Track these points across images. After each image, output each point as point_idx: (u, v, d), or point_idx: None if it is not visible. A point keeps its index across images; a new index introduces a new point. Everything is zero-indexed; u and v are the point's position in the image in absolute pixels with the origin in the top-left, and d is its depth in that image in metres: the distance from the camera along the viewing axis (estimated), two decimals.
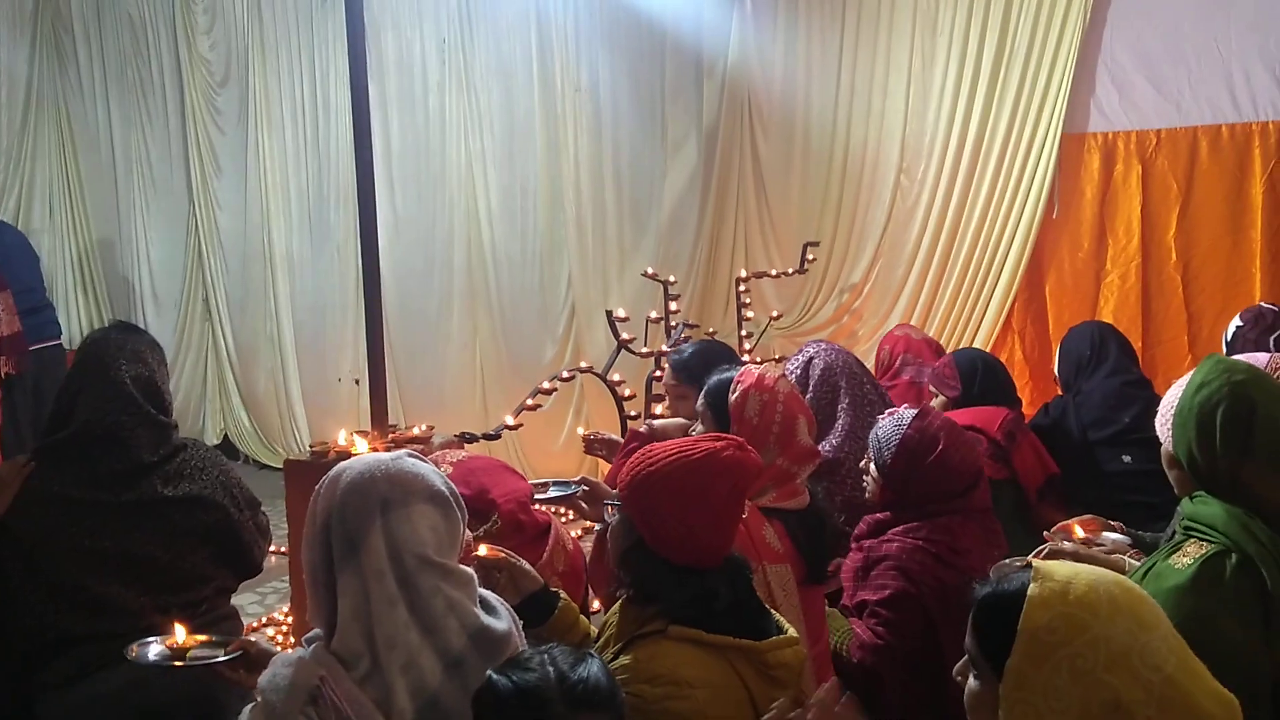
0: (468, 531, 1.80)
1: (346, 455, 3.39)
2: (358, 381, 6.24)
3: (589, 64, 5.48)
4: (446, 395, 5.98)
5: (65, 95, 6.85)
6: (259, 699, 1.63)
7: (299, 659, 1.65)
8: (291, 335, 6.44)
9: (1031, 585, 1.32)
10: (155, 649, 1.92)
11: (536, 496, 2.50)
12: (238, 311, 6.58)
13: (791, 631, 1.84)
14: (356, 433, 3.44)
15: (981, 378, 3.44)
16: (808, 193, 5.24)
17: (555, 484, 2.59)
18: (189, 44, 6.38)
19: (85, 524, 2.24)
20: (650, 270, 4.70)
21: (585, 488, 2.52)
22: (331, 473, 1.71)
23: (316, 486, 1.72)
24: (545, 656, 1.50)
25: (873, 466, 2.50)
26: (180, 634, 1.94)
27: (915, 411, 2.47)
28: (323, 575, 1.65)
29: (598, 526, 2.45)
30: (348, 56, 3.42)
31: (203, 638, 1.92)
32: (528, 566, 2.01)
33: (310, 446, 3.43)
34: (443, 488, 1.72)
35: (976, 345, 4.65)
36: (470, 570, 1.74)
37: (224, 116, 6.41)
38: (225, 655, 1.86)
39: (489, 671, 1.52)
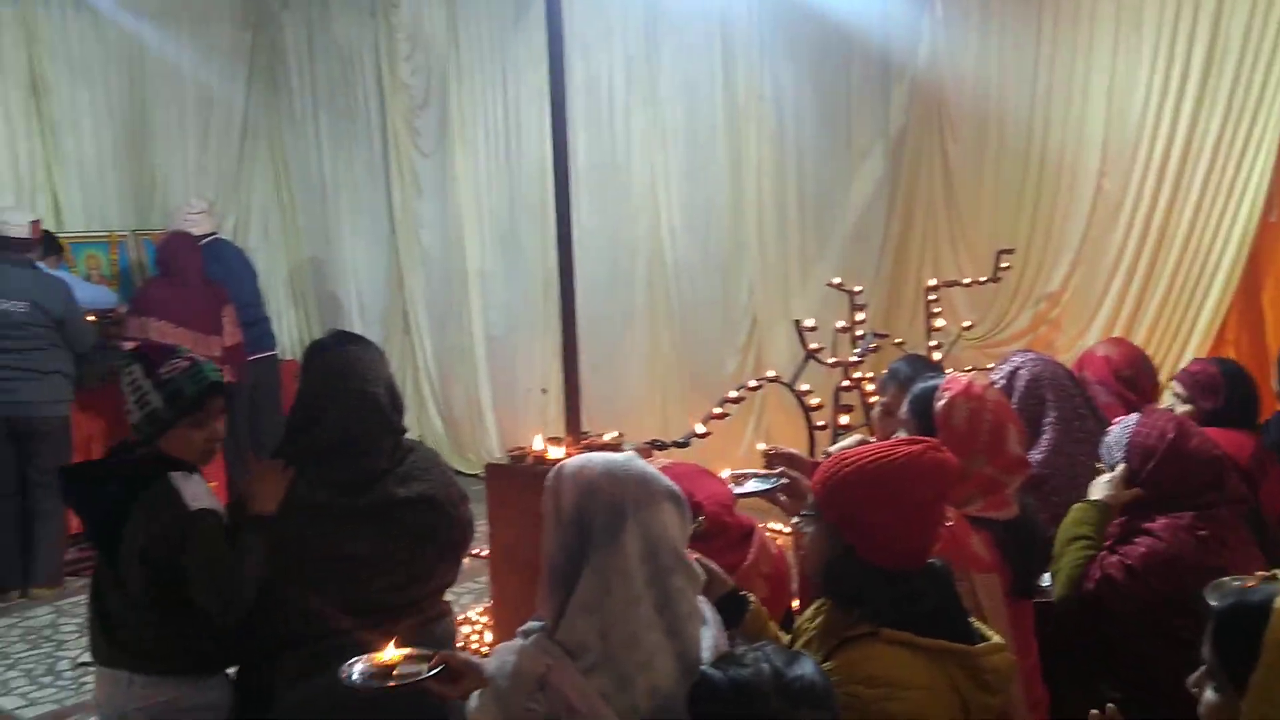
0: None
1: (543, 460, 3.51)
2: (544, 391, 6.43)
3: (773, 74, 5.50)
4: (627, 406, 6.08)
5: (279, 123, 7.35)
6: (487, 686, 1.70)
7: (522, 647, 1.71)
8: (484, 347, 6.70)
9: (1278, 598, 1.26)
10: (361, 667, 1.91)
11: (736, 490, 2.48)
12: (436, 325, 6.89)
13: (998, 639, 1.80)
14: (550, 439, 3.55)
15: (1241, 391, 3.15)
16: (1001, 198, 5.09)
17: (755, 477, 2.54)
18: (391, 70, 6.74)
19: (329, 527, 2.32)
20: (836, 280, 4.66)
21: (786, 480, 2.48)
22: (566, 469, 1.76)
23: (548, 482, 1.78)
24: (760, 654, 1.52)
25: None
26: (389, 651, 1.93)
27: (1139, 412, 2.48)
28: (561, 567, 1.71)
29: (794, 521, 2.44)
30: (548, 76, 3.52)
31: (407, 651, 1.90)
32: (718, 569, 2.03)
33: (508, 451, 3.56)
34: (676, 489, 1.76)
35: (1187, 357, 4.41)
36: (700, 570, 1.78)
37: (424, 139, 6.75)
38: (429, 671, 1.89)
39: (703, 668, 1.54)
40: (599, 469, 1.74)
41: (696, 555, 2.01)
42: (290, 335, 7.32)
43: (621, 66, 5.95)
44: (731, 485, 2.51)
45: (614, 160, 6.02)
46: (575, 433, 3.45)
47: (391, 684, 1.86)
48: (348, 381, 2.40)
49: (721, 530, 2.37)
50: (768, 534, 2.61)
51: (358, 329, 7.06)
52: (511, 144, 6.43)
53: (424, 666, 1.88)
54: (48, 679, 4.19)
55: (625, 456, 1.81)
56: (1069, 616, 2.43)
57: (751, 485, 2.51)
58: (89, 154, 6.52)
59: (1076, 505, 2.52)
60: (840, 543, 1.81)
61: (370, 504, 2.36)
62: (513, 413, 6.63)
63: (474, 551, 3.95)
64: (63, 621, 4.75)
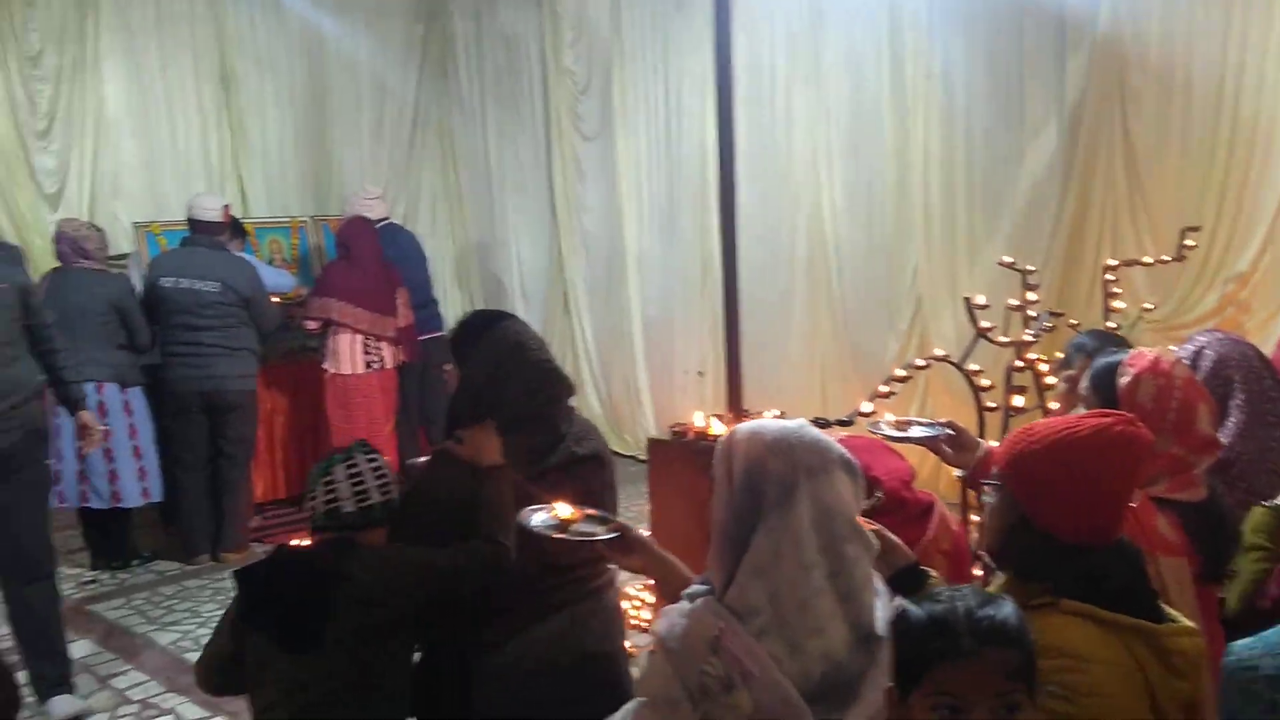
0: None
1: (704, 436, 3.53)
2: (701, 374, 6.45)
3: (942, 48, 5.34)
4: (786, 387, 6.04)
5: (448, 112, 7.60)
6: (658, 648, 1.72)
7: (693, 609, 1.72)
8: (641, 329, 6.76)
9: None
10: (541, 516, 1.99)
11: (899, 435, 2.42)
12: (596, 307, 7.00)
13: (1188, 622, 1.71)
14: (712, 415, 3.57)
15: None
16: (1186, 172, 4.81)
17: (919, 424, 2.46)
18: (555, 57, 6.87)
19: (523, 493, 2.31)
20: (1008, 259, 4.50)
21: (951, 432, 2.41)
22: (738, 435, 1.76)
23: (719, 448, 1.78)
24: (957, 593, 1.50)
25: None
26: (567, 508, 2.02)
27: None
28: (732, 531, 1.71)
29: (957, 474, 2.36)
30: (714, 57, 3.52)
31: (588, 511, 1.97)
32: (898, 541, 1.99)
33: (669, 428, 3.59)
34: (851, 457, 1.75)
35: None
36: (874, 540, 1.75)
37: (586, 123, 6.85)
38: (605, 534, 1.92)
39: (900, 602, 1.52)
40: (771, 435, 1.74)
41: (876, 527, 1.99)
42: (455, 316, 7.55)
43: (783, 45, 5.89)
44: (895, 431, 2.44)
45: (774, 140, 5.97)
46: (737, 410, 3.44)
47: (565, 535, 1.93)
48: (526, 353, 2.43)
49: (900, 506, 2.34)
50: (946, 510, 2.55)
51: (520, 311, 7.25)
52: (672, 127, 6.45)
53: (601, 529, 1.93)
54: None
55: (798, 423, 1.79)
56: (1242, 632, 2.26)
57: (916, 431, 2.44)
58: (272, 143, 6.88)
59: (1256, 509, 2.36)
60: (1022, 515, 1.76)
61: (557, 464, 2.39)
62: (669, 394, 6.68)
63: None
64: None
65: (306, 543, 2.35)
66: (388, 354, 5.85)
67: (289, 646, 2.17)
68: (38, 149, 5.93)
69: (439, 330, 6.53)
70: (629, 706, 1.79)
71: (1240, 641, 0.89)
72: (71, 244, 4.92)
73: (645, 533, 1.97)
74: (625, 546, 1.98)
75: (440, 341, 6.51)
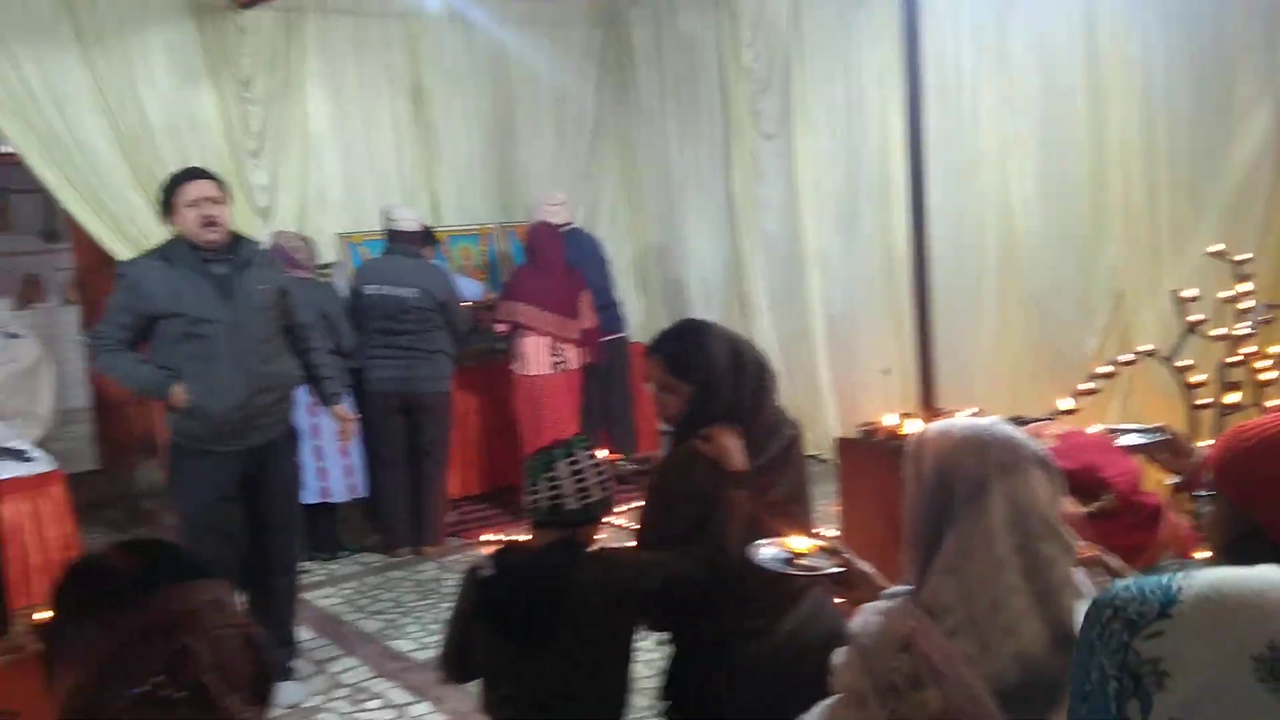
0: (1080, 509, 1.77)
1: (895, 435, 3.48)
2: (886, 372, 6.33)
3: (1141, 30, 5.07)
4: (976, 385, 5.85)
5: (627, 116, 7.73)
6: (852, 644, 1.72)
7: (889, 608, 1.72)
8: (823, 329, 6.69)
9: None
10: (771, 550, 2.02)
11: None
12: (775, 307, 6.98)
13: None
14: (903, 414, 3.51)
15: None
16: None
17: (1135, 431, 2.39)
18: (735, 57, 6.88)
19: (753, 482, 2.37)
20: (1218, 248, 4.24)
21: (1168, 436, 2.32)
22: (928, 434, 1.75)
23: (909, 447, 1.77)
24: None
25: None
26: (800, 540, 2.04)
27: None
28: (924, 530, 1.70)
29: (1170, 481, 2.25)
30: (903, 49, 3.46)
31: (819, 544, 2.00)
32: (868, 571, 1.96)
33: (859, 427, 3.55)
34: (1046, 454, 1.70)
35: None
36: (1074, 540, 1.70)
37: (766, 122, 6.84)
38: (831, 569, 1.95)
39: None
40: (962, 433, 1.72)
41: (1098, 550, 1.92)
42: (635, 318, 7.66)
43: (969, 35, 5.72)
44: (1108, 437, 2.37)
45: (961, 133, 5.80)
46: (929, 408, 3.38)
47: (793, 571, 1.96)
48: (744, 352, 2.47)
49: (1129, 508, 2.25)
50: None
51: (699, 312, 7.30)
52: (853, 122, 6.37)
53: (829, 563, 1.96)
54: (435, 627, 4.67)
55: (989, 421, 1.77)
56: None
57: (1130, 439, 2.36)
58: (462, 155, 7.16)
59: None
60: (1245, 521, 1.66)
61: (778, 451, 2.45)
62: (852, 394, 6.59)
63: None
64: (445, 577, 5.28)
65: (524, 539, 2.44)
66: (572, 355, 6.00)
67: (521, 645, 2.25)
68: (251, 166, 6.35)
69: (621, 331, 6.66)
70: (827, 701, 1.80)
71: (1122, 581, 0.86)
72: (284, 254, 5.27)
73: (868, 568, 1.97)
74: (850, 580, 1.98)
75: (622, 342, 6.65)
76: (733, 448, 2.33)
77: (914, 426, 3.30)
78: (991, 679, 1.58)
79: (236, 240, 3.84)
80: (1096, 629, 0.86)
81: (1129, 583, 0.87)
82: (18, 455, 4.47)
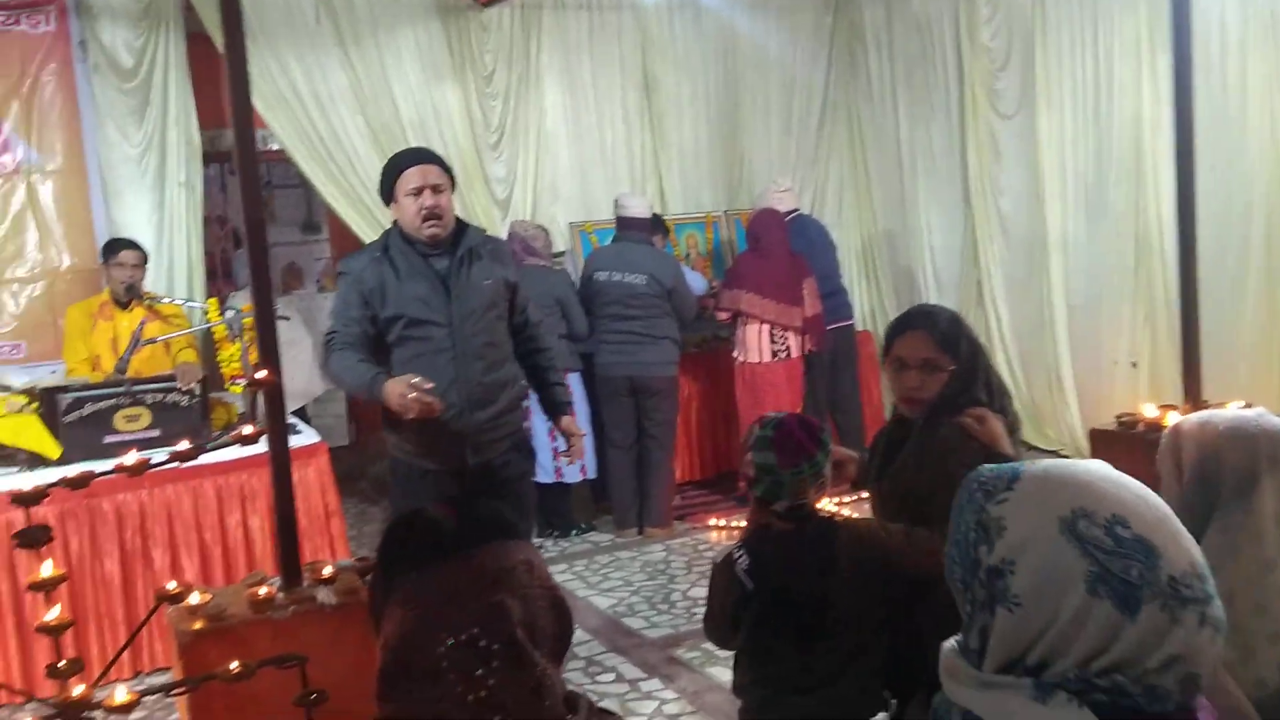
0: None
1: (1157, 426, 3.27)
2: (1134, 364, 5.97)
3: None
4: (1240, 377, 5.41)
5: (856, 100, 7.59)
6: None
7: None
8: (1064, 318, 6.36)
9: None
10: None
11: None
12: (1013, 296, 6.68)
13: None
14: (1163, 406, 3.30)
15: None
16: None
17: None
18: (970, 36, 6.64)
19: None
20: None
21: None
22: (1186, 426, 1.67)
23: (1164, 440, 1.69)
24: None
25: None
26: None
27: None
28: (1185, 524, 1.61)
29: None
30: (1172, 17, 3.23)
31: None
32: None
33: (1116, 417, 3.37)
34: None
35: None
36: None
37: (1003, 101, 6.56)
38: None
39: None
40: (1227, 424, 1.62)
41: None
42: (862, 306, 7.53)
43: (1236, 3, 5.29)
44: None
45: (1226, 113, 5.37)
46: (1195, 399, 3.16)
47: None
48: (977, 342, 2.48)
49: None
50: None
51: (932, 300, 7.09)
52: (1101, 100, 6.01)
53: None
54: (664, 606, 4.76)
55: (1256, 413, 1.65)
56: None
57: None
58: (688, 143, 7.22)
59: None
60: None
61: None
62: (1095, 386, 6.23)
63: None
64: (673, 559, 5.36)
65: (766, 522, 2.43)
66: (794, 343, 5.95)
67: (789, 631, 2.27)
68: (490, 159, 6.63)
69: (848, 319, 6.56)
70: None
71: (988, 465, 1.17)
72: (522, 243, 5.47)
73: None
74: None
75: (849, 331, 6.54)
76: (1001, 432, 2.28)
77: (1175, 418, 3.10)
78: (1250, 686, 1.48)
79: (461, 229, 3.38)
80: (965, 495, 1.15)
81: (993, 465, 1.15)
82: (290, 427, 4.84)
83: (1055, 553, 1.05)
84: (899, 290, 7.45)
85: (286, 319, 6.96)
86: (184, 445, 2.27)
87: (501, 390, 3.37)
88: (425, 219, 3.23)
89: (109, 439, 4.34)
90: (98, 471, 2.00)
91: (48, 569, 1.94)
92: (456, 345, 3.27)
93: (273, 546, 4.44)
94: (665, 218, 6.61)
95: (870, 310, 7.64)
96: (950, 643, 1.17)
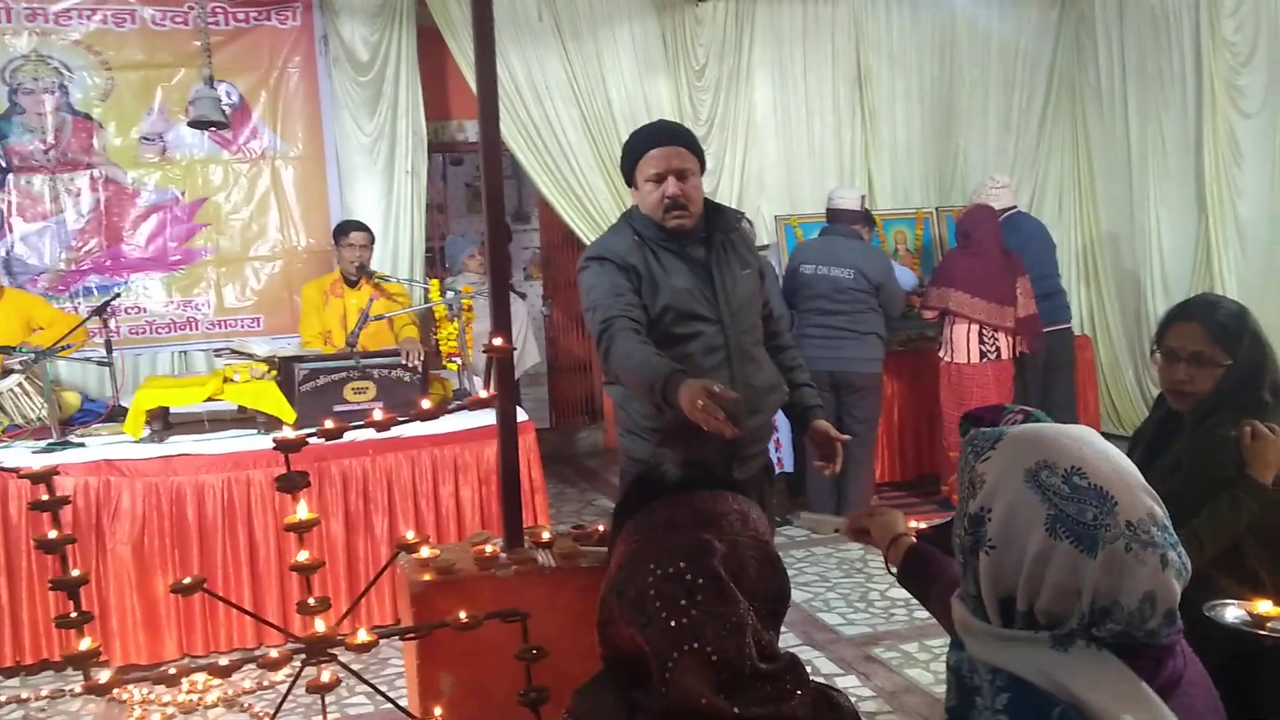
0: None
1: None
2: None
3: None
4: None
5: (1083, 95, 7.25)
6: None
7: None
8: None
9: None
10: (1235, 612, 1.90)
11: None
12: (1253, 303, 6.17)
13: None
14: None
15: None
16: None
17: None
18: (1212, 29, 6.23)
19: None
20: None
21: None
22: None
23: None
24: None
25: None
26: (1264, 604, 1.89)
27: None
28: None
29: None
30: None
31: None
32: None
33: None
34: None
35: None
36: None
37: (1246, 99, 6.13)
38: None
39: None
40: None
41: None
42: (1080, 310, 7.20)
43: None
44: None
45: None
46: None
47: (1264, 633, 1.84)
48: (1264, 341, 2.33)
49: None
50: None
51: (1160, 307, 6.71)
52: None
53: None
54: (861, 604, 4.70)
55: None
56: None
57: None
58: (900, 138, 7.08)
59: None
60: None
61: None
62: None
63: None
64: (870, 558, 5.27)
65: None
66: (1004, 344, 5.75)
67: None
68: None
69: (1065, 322, 6.29)
70: None
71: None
72: None
73: None
74: None
75: (1066, 334, 6.27)
76: (1272, 460, 2.14)
77: None
78: None
79: (713, 210, 2.96)
80: (963, 459, 1.32)
81: (986, 428, 1.32)
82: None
83: (1020, 499, 1.22)
84: (1122, 294, 7.08)
85: (523, 296, 7.30)
86: (410, 411, 2.39)
87: (769, 395, 2.94)
88: (668, 210, 2.79)
89: (338, 408, 4.62)
90: (350, 425, 2.13)
91: (302, 511, 2.09)
92: (730, 343, 2.83)
93: (480, 517, 4.65)
94: (874, 213, 6.50)
95: (1089, 314, 7.30)
96: (956, 597, 1.32)
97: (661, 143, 2.83)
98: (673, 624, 1.18)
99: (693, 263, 2.86)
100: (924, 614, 4.53)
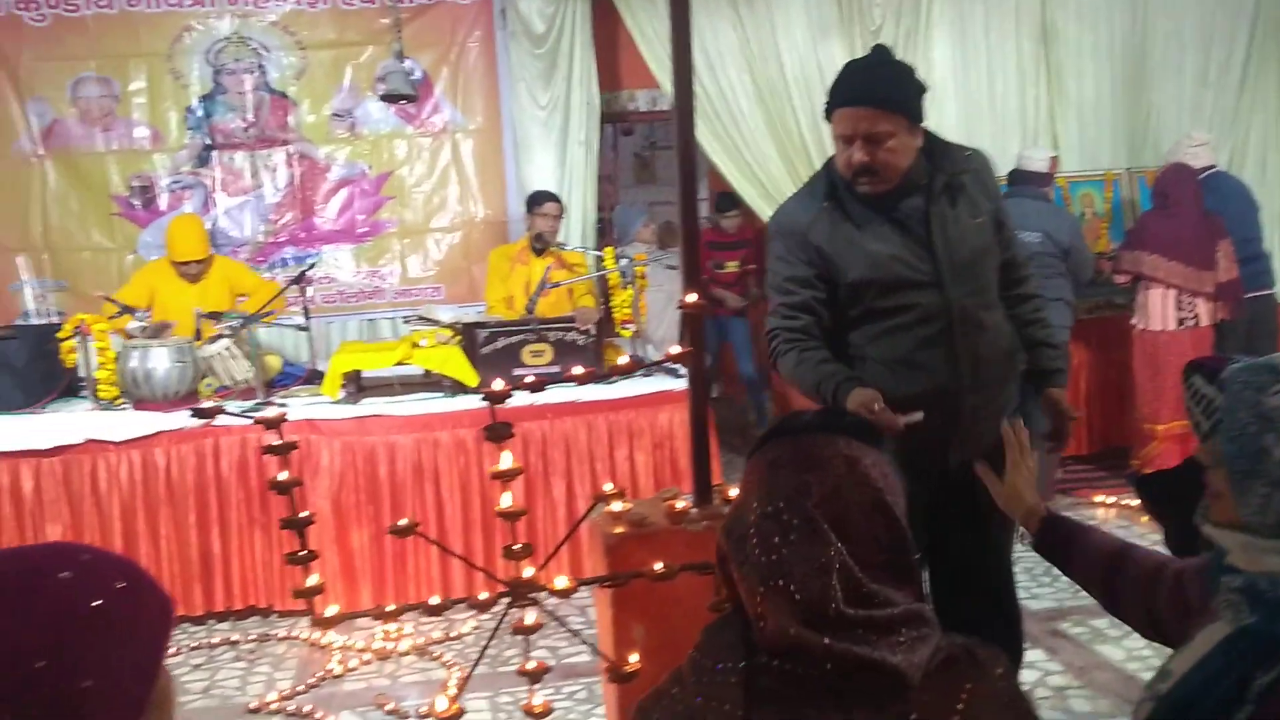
0: None
1: None
2: None
3: None
4: None
5: None
6: None
7: None
8: None
9: None
10: None
11: None
12: None
13: None
14: None
15: None
16: None
17: None
18: None
19: None
20: None
21: None
22: None
23: None
24: None
25: None
26: None
27: None
28: None
29: None
30: None
31: None
32: None
33: None
34: None
35: None
36: None
37: None
38: None
39: None
40: None
41: None
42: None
43: None
44: None
45: None
46: None
47: None
48: None
49: None
50: None
51: None
52: None
53: None
54: (1046, 579, 4.55)
55: None
56: None
57: None
58: (1088, 96, 6.75)
59: None
60: None
61: None
62: None
63: None
64: None
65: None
66: (1203, 311, 5.44)
67: None
68: None
69: (1268, 288, 5.89)
70: None
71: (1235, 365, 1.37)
72: None
73: None
74: None
75: (1269, 300, 5.88)
76: None
77: None
78: None
79: (938, 151, 2.54)
80: (1232, 394, 1.33)
81: (1246, 362, 1.35)
82: (672, 372, 5.08)
83: None
84: None
85: (674, 268, 7.32)
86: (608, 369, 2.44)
87: (1002, 365, 2.54)
88: (857, 173, 2.46)
89: (517, 371, 4.76)
90: (552, 379, 2.19)
91: (507, 460, 2.16)
92: (952, 309, 2.46)
93: (654, 482, 4.71)
94: (1058, 176, 6.22)
95: None
96: (1210, 526, 1.40)
97: (849, 102, 2.46)
98: (763, 560, 1.20)
99: (905, 219, 2.50)
100: None
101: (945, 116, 6.62)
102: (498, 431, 2.13)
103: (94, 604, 1.00)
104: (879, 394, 2.29)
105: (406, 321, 5.21)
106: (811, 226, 2.53)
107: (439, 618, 4.43)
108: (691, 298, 2.32)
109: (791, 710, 1.18)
